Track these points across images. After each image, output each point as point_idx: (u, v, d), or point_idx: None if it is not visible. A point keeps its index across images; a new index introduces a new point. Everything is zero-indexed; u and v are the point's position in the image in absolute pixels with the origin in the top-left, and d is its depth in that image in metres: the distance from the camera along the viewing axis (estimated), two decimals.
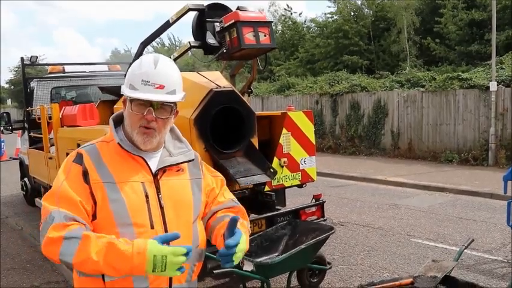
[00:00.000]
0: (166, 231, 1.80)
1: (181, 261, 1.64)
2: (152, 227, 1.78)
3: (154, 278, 1.77)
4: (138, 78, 1.80)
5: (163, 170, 1.87)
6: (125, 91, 1.83)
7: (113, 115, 1.97)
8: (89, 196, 1.76)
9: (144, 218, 1.77)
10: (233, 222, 1.81)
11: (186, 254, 1.65)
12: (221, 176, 2.17)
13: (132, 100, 1.81)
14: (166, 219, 1.82)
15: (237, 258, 1.79)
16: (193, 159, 1.98)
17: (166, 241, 1.67)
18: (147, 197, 1.80)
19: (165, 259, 1.62)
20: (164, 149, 1.94)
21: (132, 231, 1.75)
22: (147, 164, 1.85)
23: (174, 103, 1.86)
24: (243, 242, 1.81)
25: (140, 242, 1.65)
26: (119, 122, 1.94)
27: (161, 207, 1.82)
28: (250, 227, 4.76)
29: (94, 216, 1.77)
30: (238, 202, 2.13)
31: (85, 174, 1.78)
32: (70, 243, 1.64)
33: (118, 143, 1.84)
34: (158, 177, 1.85)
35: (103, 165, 1.81)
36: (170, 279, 1.82)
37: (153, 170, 1.85)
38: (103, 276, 1.73)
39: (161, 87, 1.79)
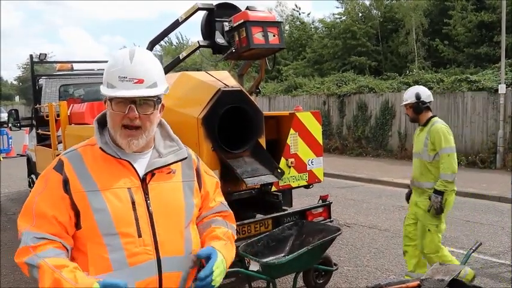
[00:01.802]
0: (155, 239, 1.70)
1: None
2: (140, 236, 1.68)
3: None
4: (115, 75, 1.67)
5: (151, 173, 1.75)
6: (103, 90, 1.70)
7: (98, 116, 1.83)
8: (68, 207, 1.67)
9: (130, 227, 1.66)
10: (202, 257, 1.76)
11: None
12: (216, 177, 2.06)
13: (112, 99, 1.69)
14: (155, 227, 1.71)
15: (217, 282, 1.73)
16: (185, 158, 1.85)
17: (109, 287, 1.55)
18: (133, 204, 1.68)
19: None
20: (154, 149, 1.81)
21: (119, 241, 1.66)
22: (134, 168, 1.73)
23: (157, 97, 1.73)
24: (219, 266, 1.74)
25: (84, 284, 1.56)
26: (105, 122, 1.79)
27: (150, 214, 1.70)
28: (257, 227, 4.77)
29: (78, 226, 1.68)
30: (228, 206, 2.05)
31: (65, 183, 1.68)
32: (32, 271, 1.62)
33: (100, 147, 1.72)
34: (146, 181, 1.74)
35: (86, 172, 1.70)
36: None
37: (141, 174, 1.73)
38: None
39: (140, 81, 1.66)
